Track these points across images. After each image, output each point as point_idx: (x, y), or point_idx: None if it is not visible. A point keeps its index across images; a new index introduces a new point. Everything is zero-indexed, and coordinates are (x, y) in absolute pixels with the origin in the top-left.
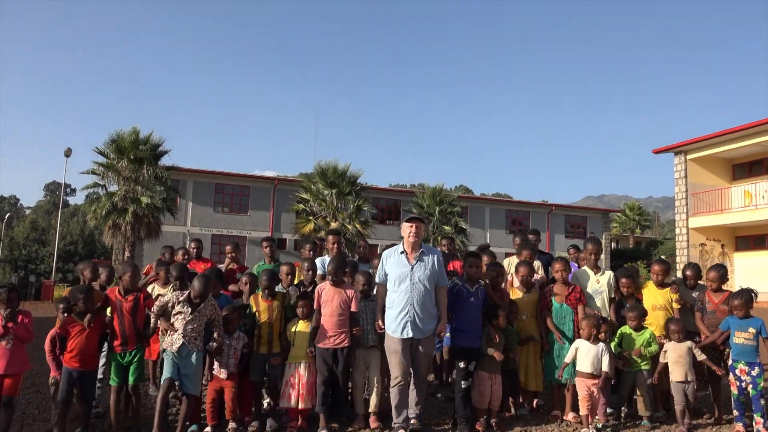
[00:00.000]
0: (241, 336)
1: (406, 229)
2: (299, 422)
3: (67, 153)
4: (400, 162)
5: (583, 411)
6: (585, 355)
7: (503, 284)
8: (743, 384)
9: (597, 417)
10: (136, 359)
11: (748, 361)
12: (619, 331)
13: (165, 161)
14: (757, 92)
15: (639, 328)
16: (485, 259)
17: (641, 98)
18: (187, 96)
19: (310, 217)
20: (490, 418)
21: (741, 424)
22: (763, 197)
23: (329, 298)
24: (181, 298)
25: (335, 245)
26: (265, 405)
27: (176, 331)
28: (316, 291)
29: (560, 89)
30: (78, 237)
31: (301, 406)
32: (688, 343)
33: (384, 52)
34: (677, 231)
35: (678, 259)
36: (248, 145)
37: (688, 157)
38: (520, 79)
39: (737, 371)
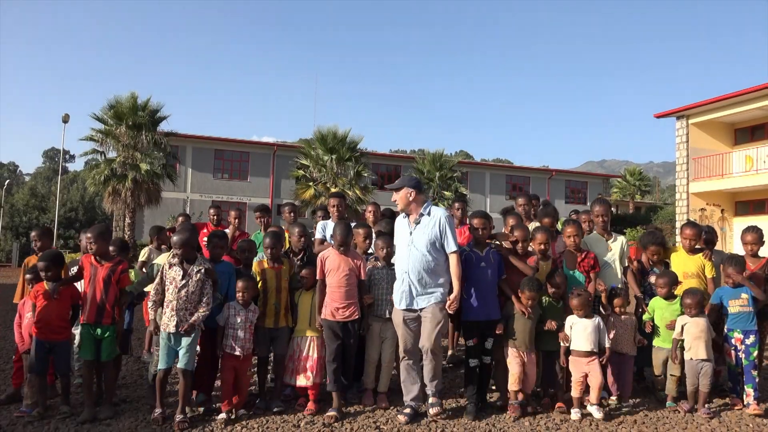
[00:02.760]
0: (256, 309)
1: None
2: (308, 400)
3: (65, 119)
4: (401, 127)
5: (574, 393)
6: (580, 332)
7: (530, 248)
8: (739, 353)
9: (606, 399)
10: (108, 333)
11: (743, 329)
12: (650, 303)
13: (163, 127)
14: (761, 56)
15: (670, 296)
16: (510, 221)
17: (644, 62)
18: (184, 60)
19: (310, 183)
20: (525, 401)
21: (736, 397)
22: (764, 162)
23: (334, 266)
24: (173, 261)
25: (336, 208)
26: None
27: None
28: (318, 258)
29: (562, 53)
30: (78, 204)
31: (307, 383)
32: (705, 318)
33: (384, 15)
34: (677, 196)
35: (678, 224)
36: (247, 111)
37: (690, 121)
38: (520, 43)
39: (733, 340)
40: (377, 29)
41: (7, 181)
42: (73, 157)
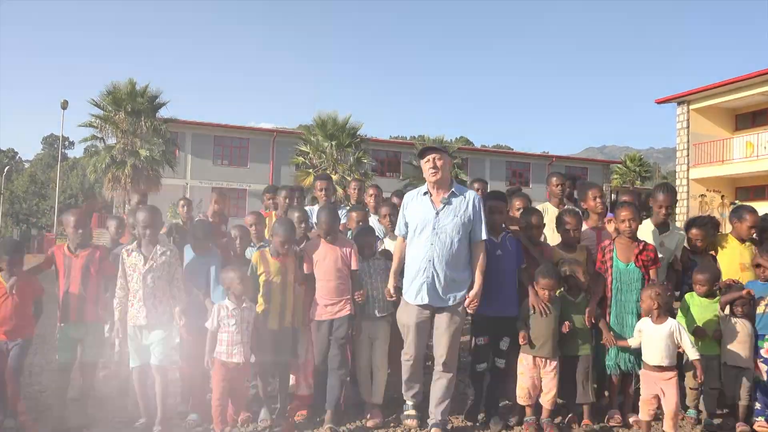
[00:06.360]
0: (252, 306)
1: (423, 165)
2: (302, 410)
3: (64, 105)
4: (400, 114)
5: (643, 416)
6: (648, 341)
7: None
8: None
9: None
10: (92, 331)
11: None
12: (684, 300)
13: (163, 113)
14: (762, 42)
15: (710, 294)
16: (517, 203)
17: (644, 47)
18: (183, 46)
19: (310, 170)
20: (541, 418)
21: (764, 418)
22: (765, 148)
23: (320, 256)
24: (129, 248)
25: (324, 192)
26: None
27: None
28: (305, 249)
29: (562, 38)
30: (78, 190)
31: (305, 392)
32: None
33: (384, 0)
34: (677, 182)
35: (677, 210)
36: (245, 96)
37: (691, 107)
38: (521, 28)
39: (763, 351)
40: (377, 14)
41: (7, 167)
42: (72, 143)
